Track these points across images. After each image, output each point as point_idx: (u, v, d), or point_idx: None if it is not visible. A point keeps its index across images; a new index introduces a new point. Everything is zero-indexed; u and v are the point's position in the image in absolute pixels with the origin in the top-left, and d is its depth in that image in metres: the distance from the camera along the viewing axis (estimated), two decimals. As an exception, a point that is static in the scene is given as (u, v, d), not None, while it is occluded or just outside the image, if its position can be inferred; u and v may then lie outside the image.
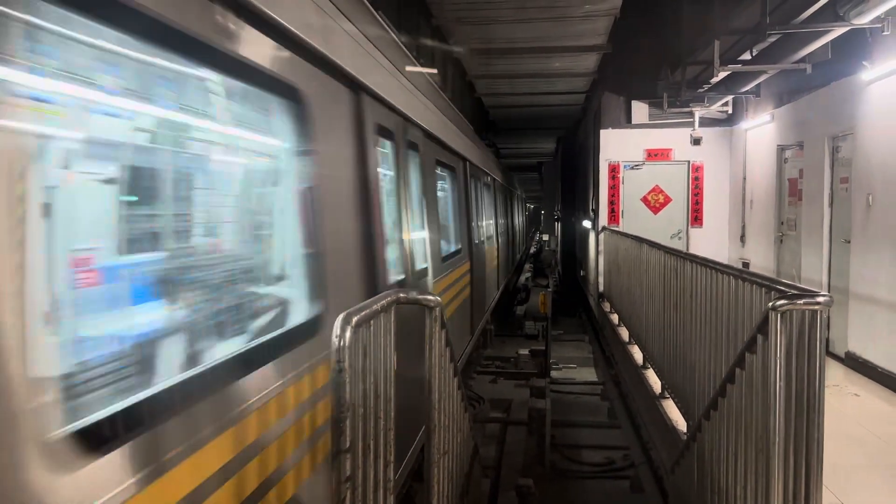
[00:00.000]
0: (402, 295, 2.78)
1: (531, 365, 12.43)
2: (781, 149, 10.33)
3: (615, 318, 10.42)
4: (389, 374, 2.53)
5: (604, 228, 12.71)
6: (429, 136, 6.05)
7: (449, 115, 7.81)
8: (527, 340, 14.91)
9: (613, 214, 13.17)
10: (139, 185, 2.05)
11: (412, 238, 5.06)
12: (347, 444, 2.14)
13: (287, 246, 2.89)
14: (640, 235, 8.37)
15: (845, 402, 6.37)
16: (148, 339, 1.96)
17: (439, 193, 7.14)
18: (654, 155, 13.11)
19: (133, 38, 1.82)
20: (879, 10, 6.27)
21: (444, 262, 6.72)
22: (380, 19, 4.50)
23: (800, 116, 9.48)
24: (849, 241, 7.81)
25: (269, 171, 2.88)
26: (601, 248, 12.67)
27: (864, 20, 6.52)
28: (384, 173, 4.26)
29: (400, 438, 2.78)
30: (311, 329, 2.77)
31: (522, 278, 22.49)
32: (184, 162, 2.25)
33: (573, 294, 19.76)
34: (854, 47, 7.63)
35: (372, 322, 2.35)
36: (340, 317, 2.15)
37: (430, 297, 3.03)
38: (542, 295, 13.51)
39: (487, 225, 12.08)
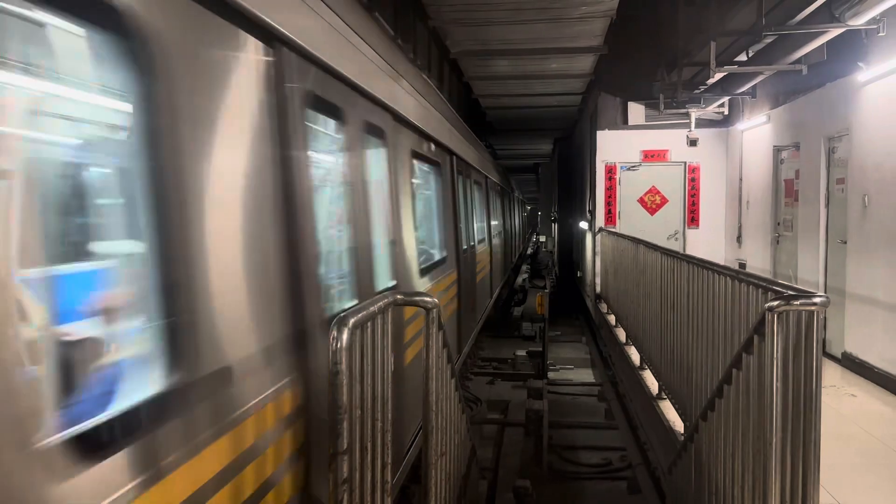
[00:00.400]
0: (399, 296, 2.78)
1: (528, 366, 12.43)
2: (777, 150, 10.35)
3: (612, 319, 10.43)
4: (387, 376, 2.53)
5: (600, 229, 12.72)
6: (401, 121, 4.98)
7: (432, 100, 6.69)
8: (524, 342, 14.91)
9: (610, 215, 13.18)
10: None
11: (371, 248, 3.91)
12: (345, 446, 2.13)
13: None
14: (636, 236, 8.38)
15: (842, 402, 6.38)
16: None
17: (417, 192, 5.95)
18: (651, 156, 13.13)
19: None
20: (875, 12, 6.29)
21: (422, 274, 5.68)
22: None
23: (796, 117, 9.50)
24: (845, 242, 7.82)
25: None
26: (598, 249, 12.68)
27: (859, 21, 6.54)
28: (320, 160, 3.30)
29: (397, 440, 2.76)
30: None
31: (519, 279, 22.49)
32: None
33: (570, 295, 19.77)
34: (850, 48, 7.65)
35: (369, 324, 2.35)
36: (337, 319, 2.15)
37: (427, 299, 3.03)
38: (539, 296, 13.51)
39: (479, 228, 11.37)
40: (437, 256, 6.84)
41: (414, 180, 5.71)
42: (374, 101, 4.04)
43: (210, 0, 2.17)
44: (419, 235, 5.76)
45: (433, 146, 6.64)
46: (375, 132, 4.18)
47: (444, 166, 7.49)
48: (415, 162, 5.72)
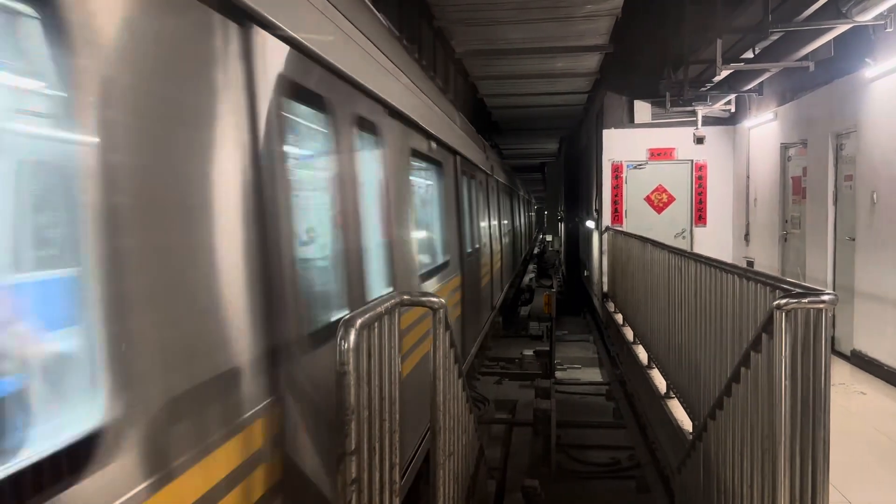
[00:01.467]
0: (405, 297, 2.78)
1: (536, 366, 12.43)
2: (785, 147, 10.31)
3: (619, 317, 10.41)
4: (394, 377, 2.53)
5: (607, 228, 12.70)
6: (399, 116, 4.65)
7: (434, 97, 6.44)
8: (531, 341, 14.91)
9: (617, 214, 13.15)
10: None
11: (362, 254, 3.55)
12: (353, 447, 2.14)
13: None
14: (643, 235, 8.35)
15: (851, 400, 6.35)
16: None
17: (416, 193, 5.64)
18: (658, 154, 13.10)
19: None
20: (882, 7, 6.26)
21: (424, 279, 5.44)
22: None
23: (803, 114, 9.46)
24: (853, 239, 7.79)
25: None
26: (605, 248, 12.65)
27: (866, 17, 6.51)
28: (301, 155, 3.06)
29: (405, 440, 2.76)
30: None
31: (526, 279, 22.48)
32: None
33: (577, 294, 19.75)
34: (857, 44, 7.61)
35: (376, 324, 2.35)
36: (344, 320, 2.15)
37: (434, 299, 3.03)
38: (546, 296, 13.50)
39: (484, 229, 11.21)
40: (439, 260, 6.52)
41: (413, 180, 5.34)
42: (367, 93, 3.77)
43: None
44: (418, 239, 5.38)
45: (434, 145, 6.37)
46: (367, 127, 3.85)
47: (447, 166, 7.19)
48: (413, 161, 5.37)
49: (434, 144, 6.36)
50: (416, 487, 4.65)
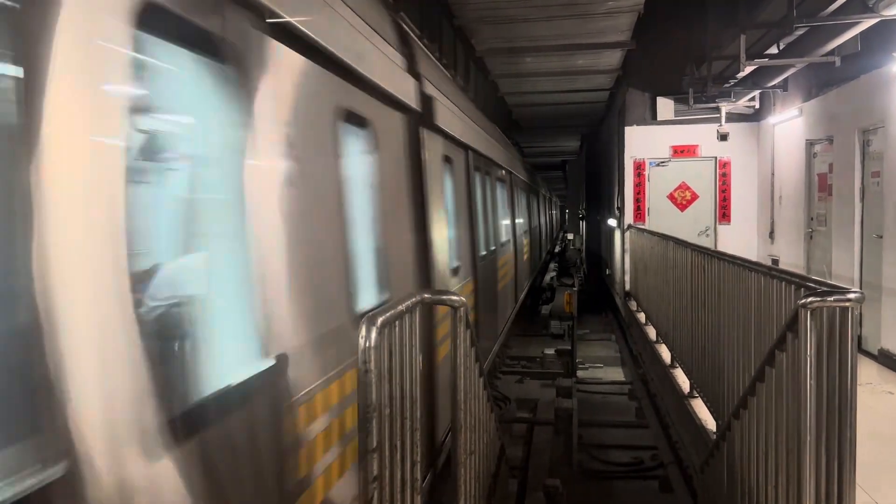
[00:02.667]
0: (426, 296, 2.79)
1: (557, 364, 12.38)
2: (810, 143, 10.17)
3: (642, 316, 10.34)
4: (415, 375, 2.54)
5: (629, 227, 12.62)
6: (396, 105, 4.11)
7: (446, 88, 5.87)
8: (552, 340, 14.85)
9: (639, 212, 13.06)
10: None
11: (352, 260, 3.11)
12: (374, 444, 2.15)
13: None
14: (666, 233, 8.29)
15: (879, 400, 6.25)
16: None
17: (417, 192, 4.76)
18: (681, 151, 12.98)
19: None
20: (910, 1, 6.15)
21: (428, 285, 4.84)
22: None
23: (829, 110, 9.33)
24: (881, 237, 7.67)
25: None
26: (627, 246, 12.57)
27: (894, 11, 6.40)
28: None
29: (426, 439, 2.77)
30: None
31: (547, 278, 22.40)
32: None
33: (599, 293, 19.64)
34: (884, 39, 7.48)
35: (397, 323, 2.36)
36: (366, 318, 2.16)
37: (454, 297, 3.04)
38: (568, 294, 13.45)
39: (502, 229, 10.58)
40: (452, 264, 5.93)
41: (414, 177, 4.73)
42: (452, 140, 3.84)
43: None
44: (421, 242, 4.78)
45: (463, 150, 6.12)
46: (356, 119, 3.45)
47: (457, 162, 6.58)
48: (416, 155, 4.80)
49: (462, 150, 6.24)
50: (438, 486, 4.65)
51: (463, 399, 3.21)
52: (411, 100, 4.43)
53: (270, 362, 2.26)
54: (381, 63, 3.78)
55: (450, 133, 5.78)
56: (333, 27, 3.01)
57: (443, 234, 5.42)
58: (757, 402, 3.68)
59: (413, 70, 4.68)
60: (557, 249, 36.67)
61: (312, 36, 2.69)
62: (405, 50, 4.67)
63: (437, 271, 5.04)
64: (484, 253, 8.07)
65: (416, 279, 4.56)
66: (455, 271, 6.04)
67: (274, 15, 2.41)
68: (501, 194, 11.15)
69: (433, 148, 5.24)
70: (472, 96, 11.31)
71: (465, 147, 6.97)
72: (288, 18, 2.51)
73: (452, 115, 5.93)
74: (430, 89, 5.06)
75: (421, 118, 4.82)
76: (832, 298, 2.86)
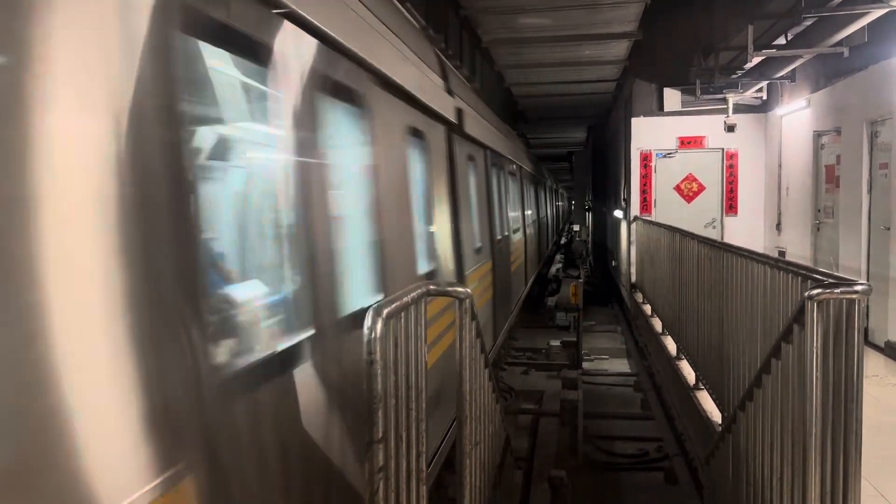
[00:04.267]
0: (431, 287, 2.79)
1: (563, 356, 12.38)
2: (818, 135, 10.12)
3: (648, 308, 10.33)
4: (421, 366, 2.55)
5: (636, 218, 12.59)
6: (393, 90, 4.00)
7: (471, 100, 6.73)
8: (558, 331, 14.84)
9: (645, 204, 13.02)
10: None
11: (410, 237, 3.86)
12: (380, 435, 2.16)
13: None
14: (672, 225, 8.27)
15: (886, 392, 6.24)
16: None
17: (453, 188, 5.86)
18: (687, 143, 12.93)
19: None
20: (920, -9, 6.10)
21: (458, 262, 5.84)
22: None
23: (837, 101, 9.27)
24: (888, 228, 7.63)
25: None
26: (633, 237, 12.54)
27: (903, 1, 6.35)
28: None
29: (432, 430, 2.80)
30: None
31: (553, 269, 22.38)
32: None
33: (605, 284, 19.63)
34: (892, 30, 7.43)
35: (403, 314, 2.37)
36: (371, 309, 2.17)
37: (459, 289, 3.04)
38: (573, 286, 13.44)
39: (513, 218, 11.52)
40: (476, 244, 7.22)
41: (450, 174, 5.98)
42: (472, 140, 5.50)
43: None
44: (454, 225, 6.01)
45: (470, 143, 7.00)
46: (417, 132, 4.66)
47: (478, 161, 7.62)
48: (451, 157, 5.99)
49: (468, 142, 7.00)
50: (443, 476, 4.68)
51: (468, 390, 3.21)
52: (449, 113, 5.63)
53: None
54: (431, 89, 5.02)
55: (473, 137, 7.05)
56: (407, 71, 4.24)
57: (469, 220, 6.90)
58: (763, 394, 3.67)
59: (448, 89, 5.89)
60: (563, 241, 36.63)
61: (399, 82, 3.92)
62: (442, 72, 5.90)
63: (466, 247, 6.41)
64: (500, 238, 9.15)
65: (454, 252, 5.91)
66: (478, 250, 7.37)
67: (382, 75, 3.61)
68: (513, 187, 11.74)
69: (462, 150, 6.55)
70: (479, 86, 11.32)
71: (484, 147, 8.03)
72: (388, 74, 3.70)
73: (475, 122, 7.16)
74: (459, 103, 6.23)
75: (453, 127, 6.00)
76: (839, 290, 2.85)
